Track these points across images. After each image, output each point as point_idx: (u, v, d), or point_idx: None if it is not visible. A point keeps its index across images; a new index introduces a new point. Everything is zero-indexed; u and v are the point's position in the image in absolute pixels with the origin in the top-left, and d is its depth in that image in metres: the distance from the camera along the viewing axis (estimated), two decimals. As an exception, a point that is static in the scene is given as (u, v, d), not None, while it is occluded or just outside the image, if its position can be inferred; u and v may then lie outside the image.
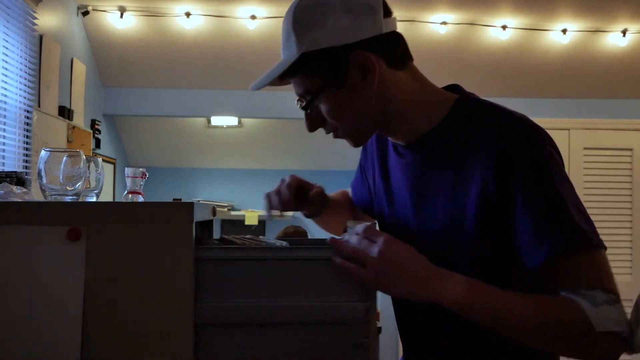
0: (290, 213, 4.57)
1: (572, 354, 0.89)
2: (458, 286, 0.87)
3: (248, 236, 1.07)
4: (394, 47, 0.98)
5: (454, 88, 1.07)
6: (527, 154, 0.90)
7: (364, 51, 0.93)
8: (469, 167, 0.94)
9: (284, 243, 1.04)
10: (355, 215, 1.35)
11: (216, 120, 4.20)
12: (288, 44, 0.96)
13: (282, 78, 0.99)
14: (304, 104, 0.99)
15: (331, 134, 1.05)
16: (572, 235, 0.87)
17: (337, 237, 0.95)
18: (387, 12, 0.97)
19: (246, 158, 4.51)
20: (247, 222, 4.29)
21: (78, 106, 3.27)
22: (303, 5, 0.95)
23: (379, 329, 1.88)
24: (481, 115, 0.97)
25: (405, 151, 1.05)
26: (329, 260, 0.89)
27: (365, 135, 1.04)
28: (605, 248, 0.89)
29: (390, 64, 0.97)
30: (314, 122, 1.02)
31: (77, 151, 1.04)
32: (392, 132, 1.05)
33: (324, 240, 0.98)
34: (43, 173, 1.01)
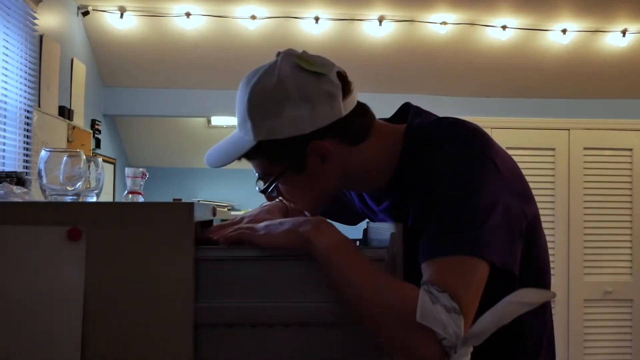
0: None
1: (390, 339, 0.84)
2: (331, 238, 0.87)
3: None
4: (353, 127, 0.96)
5: (405, 110, 1.07)
6: (444, 168, 0.89)
7: (321, 140, 0.93)
8: (409, 203, 0.95)
9: None
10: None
11: (216, 120, 4.20)
12: (244, 127, 0.97)
13: (238, 159, 1.00)
14: (263, 186, 1.01)
15: None
16: (451, 240, 0.85)
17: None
18: (347, 90, 0.96)
19: (246, 158, 4.51)
20: (247, 222, 4.29)
21: (78, 106, 3.26)
22: (259, 92, 0.94)
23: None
24: (423, 151, 0.95)
25: (370, 201, 1.08)
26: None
27: (322, 206, 1.06)
28: (489, 262, 0.85)
29: (349, 142, 0.96)
30: (266, 191, 1.04)
31: (77, 151, 1.04)
32: (354, 189, 1.09)
33: None
34: (43, 173, 1.01)
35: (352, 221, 1.31)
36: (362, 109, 0.99)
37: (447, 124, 0.98)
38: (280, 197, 1.07)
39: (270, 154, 0.96)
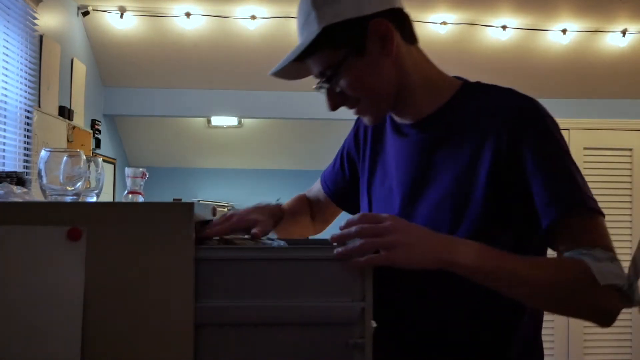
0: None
1: (578, 313, 0.95)
2: (470, 249, 0.90)
3: (246, 236, 1.07)
4: (407, 22, 1.04)
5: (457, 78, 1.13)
6: (538, 120, 0.97)
7: (381, 19, 0.98)
8: (479, 139, 0.98)
9: (282, 243, 1.04)
10: (316, 216, 1.37)
11: (216, 120, 4.20)
12: (307, 23, 1.00)
13: (301, 59, 1.01)
14: (325, 79, 1.01)
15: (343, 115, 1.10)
16: (581, 198, 0.93)
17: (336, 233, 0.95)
18: None
19: (246, 158, 4.51)
20: (247, 222, 4.29)
21: (78, 106, 3.27)
22: None
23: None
24: (488, 93, 1.04)
25: (411, 130, 1.08)
26: (326, 261, 0.89)
27: (384, 109, 1.07)
28: (604, 216, 0.95)
29: (404, 37, 1.02)
30: (335, 99, 1.04)
31: (77, 151, 1.04)
32: (401, 110, 1.08)
33: (322, 240, 0.98)
34: (43, 173, 1.01)
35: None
36: (409, 16, 1.06)
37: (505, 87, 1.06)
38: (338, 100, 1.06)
39: (333, 40, 0.98)
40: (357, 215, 0.91)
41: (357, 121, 1.24)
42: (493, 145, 0.97)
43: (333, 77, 1.01)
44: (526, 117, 0.97)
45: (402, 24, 1.02)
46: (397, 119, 1.11)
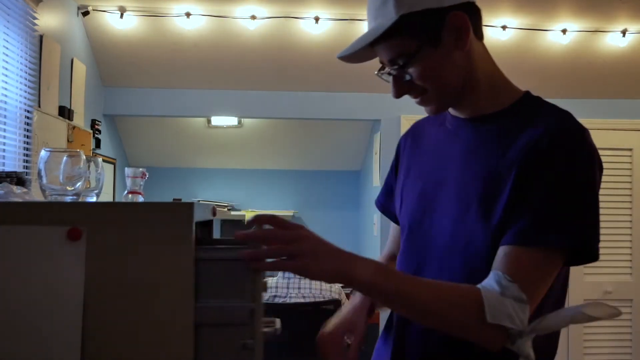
0: (290, 212, 4.55)
1: (467, 338, 0.95)
2: (369, 266, 0.92)
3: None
4: (479, 17, 1.04)
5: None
6: (566, 147, 0.97)
7: (459, 12, 0.98)
8: (514, 146, 0.99)
9: None
10: None
11: (216, 120, 4.20)
12: (383, 8, 0.99)
13: (373, 44, 1.01)
14: (396, 67, 1.01)
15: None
16: (543, 231, 0.92)
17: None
18: None
19: (246, 158, 4.51)
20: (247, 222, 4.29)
21: (78, 106, 3.27)
22: None
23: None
24: (546, 110, 1.06)
25: (464, 122, 1.09)
26: (221, 261, 0.88)
27: (449, 102, 1.08)
28: (572, 250, 0.94)
29: (475, 33, 1.03)
30: (401, 87, 1.05)
31: (77, 151, 1.04)
32: (462, 103, 1.08)
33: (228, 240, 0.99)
34: (43, 173, 1.01)
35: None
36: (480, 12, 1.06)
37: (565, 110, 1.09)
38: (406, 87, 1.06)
39: (409, 29, 0.98)
40: (267, 216, 0.92)
41: (401, 141, 1.28)
42: (525, 154, 0.97)
43: (405, 66, 1.01)
44: (556, 143, 0.97)
45: (476, 18, 1.03)
46: (454, 112, 1.11)
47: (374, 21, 1.02)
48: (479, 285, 0.92)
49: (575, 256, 0.95)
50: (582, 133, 1.00)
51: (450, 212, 1.04)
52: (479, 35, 1.04)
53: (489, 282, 0.91)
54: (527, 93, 1.09)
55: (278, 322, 1.01)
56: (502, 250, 0.94)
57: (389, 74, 1.03)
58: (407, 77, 1.02)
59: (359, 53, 1.03)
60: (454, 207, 1.03)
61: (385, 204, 1.31)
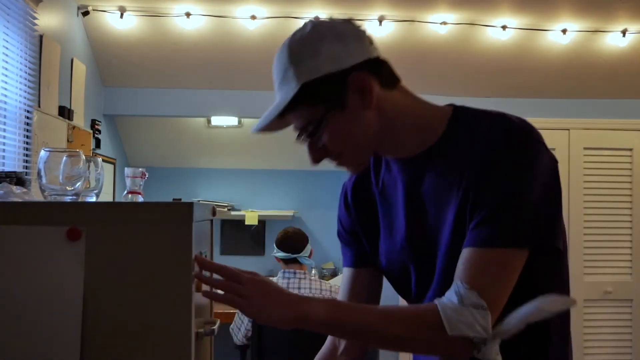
0: (290, 212, 4.55)
1: (435, 354, 0.97)
2: (323, 305, 0.94)
3: None
4: (384, 69, 1.03)
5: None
6: (509, 149, 0.95)
7: (360, 72, 0.98)
8: (458, 172, 0.98)
9: None
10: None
11: (216, 120, 4.20)
12: (286, 79, 1.00)
13: (282, 115, 1.02)
14: (307, 133, 1.02)
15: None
16: (494, 232, 0.92)
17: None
18: (371, 41, 1.04)
19: (246, 158, 4.51)
20: (247, 222, 4.29)
21: (78, 106, 3.27)
22: (296, 40, 1.00)
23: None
24: (477, 123, 1.01)
25: (402, 166, 1.08)
26: None
27: (366, 158, 1.08)
28: (529, 248, 0.93)
29: (383, 85, 1.01)
30: (317, 152, 1.05)
31: (77, 151, 1.04)
32: (387, 151, 1.08)
33: None
34: (43, 173, 1.01)
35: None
36: (387, 61, 1.05)
37: (501, 112, 1.04)
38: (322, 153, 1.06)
39: (313, 96, 0.98)
40: (219, 265, 0.95)
41: (341, 197, 1.25)
42: (470, 174, 0.96)
43: (314, 133, 1.01)
44: (504, 147, 0.95)
45: (380, 71, 1.01)
46: (389, 156, 1.10)
47: (279, 92, 1.03)
48: (436, 301, 0.92)
49: (537, 254, 0.95)
50: (520, 132, 0.96)
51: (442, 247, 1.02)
52: (391, 84, 1.03)
53: (449, 294, 0.92)
54: (454, 110, 1.06)
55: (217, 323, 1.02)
56: (461, 256, 0.94)
57: (303, 141, 1.04)
58: (320, 143, 1.03)
59: (272, 125, 1.05)
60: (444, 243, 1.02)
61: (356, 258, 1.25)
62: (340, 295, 1.24)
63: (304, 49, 0.98)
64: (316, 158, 1.06)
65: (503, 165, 0.94)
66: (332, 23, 1.01)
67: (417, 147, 1.04)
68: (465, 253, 0.93)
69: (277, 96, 1.03)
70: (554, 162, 1.00)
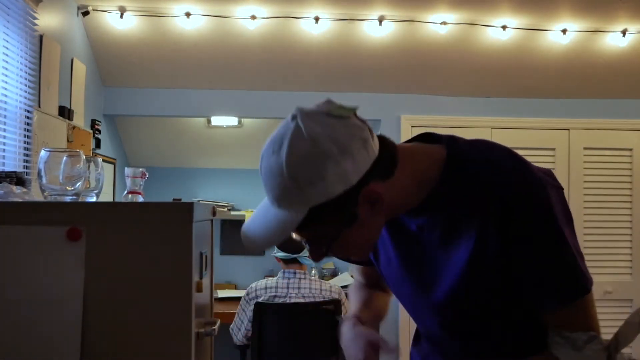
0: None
1: None
2: None
3: None
4: (386, 161, 0.96)
5: (429, 137, 1.07)
6: (528, 209, 0.94)
7: (368, 185, 0.92)
8: (465, 227, 0.97)
9: None
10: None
11: (216, 120, 4.20)
12: (288, 200, 0.93)
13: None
14: (314, 247, 0.99)
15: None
16: (573, 286, 0.97)
17: None
18: (370, 131, 0.97)
19: (246, 158, 4.51)
20: (247, 222, 4.28)
21: (78, 106, 3.27)
22: (297, 160, 0.90)
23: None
24: (473, 174, 0.98)
25: (401, 221, 1.07)
26: None
27: (371, 249, 1.07)
28: (592, 286, 1.01)
29: (387, 177, 0.96)
30: (321, 255, 1.01)
31: (77, 151, 1.04)
32: (395, 216, 1.05)
33: None
34: (43, 173, 1.01)
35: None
36: (383, 140, 0.98)
37: (488, 146, 1.03)
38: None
39: (323, 217, 0.92)
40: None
41: None
42: (476, 242, 0.95)
43: (324, 248, 0.98)
44: (517, 211, 0.93)
45: (384, 167, 0.95)
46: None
47: (279, 208, 0.94)
48: (552, 353, 0.96)
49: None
50: (527, 183, 0.95)
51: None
52: (391, 173, 0.97)
53: (556, 352, 0.96)
54: (446, 162, 1.00)
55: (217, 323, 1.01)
56: (546, 321, 0.99)
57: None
58: (326, 249, 1.00)
59: (274, 241, 0.98)
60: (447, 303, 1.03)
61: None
62: (355, 275, 1.31)
63: (309, 173, 0.89)
64: (319, 259, 1.01)
65: (528, 226, 0.93)
66: (333, 132, 0.90)
67: (418, 199, 1.01)
68: (550, 318, 0.98)
69: (276, 210, 0.95)
70: (559, 190, 1.00)
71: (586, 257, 3.59)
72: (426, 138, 1.07)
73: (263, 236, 0.96)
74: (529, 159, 3.43)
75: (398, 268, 1.10)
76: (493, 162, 0.98)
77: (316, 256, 1.00)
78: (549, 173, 1.02)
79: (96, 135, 3.59)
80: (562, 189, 1.01)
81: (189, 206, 0.87)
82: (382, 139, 0.98)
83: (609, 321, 4.07)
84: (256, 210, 1.00)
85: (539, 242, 0.94)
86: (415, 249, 1.05)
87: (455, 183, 0.98)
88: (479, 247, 0.95)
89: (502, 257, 0.94)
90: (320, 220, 0.92)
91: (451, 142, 1.03)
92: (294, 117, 0.93)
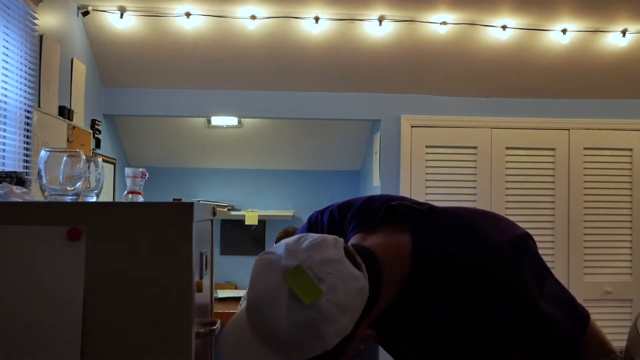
0: (290, 212, 4.55)
1: None
2: None
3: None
4: (375, 292, 0.96)
5: (393, 211, 1.07)
6: (501, 295, 0.98)
7: (361, 327, 0.93)
8: (445, 319, 1.01)
9: None
10: None
11: (216, 120, 4.20)
12: (280, 355, 0.88)
13: None
14: None
15: None
16: (580, 329, 1.05)
17: None
18: (358, 263, 0.94)
19: (246, 158, 4.51)
20: (247, 222, 4.29)
21: (78, 106, 3.27)
22: (294, 326, 0.86)
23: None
24: (441, 267, 1.00)
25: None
26: None
27: None
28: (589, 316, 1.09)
29: (374, 303, 0.96)
30: None
31: (77, 151, 1.04)
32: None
33: None
34: (43, 173, 1.01)
35: None
36: (368, 265, 0.95)
37: (454, 228, 1.03)
38: None
39: None
40: None
41: None
42: (461, 321, 1.00)
43: None
44: (487, 293, 0.97)
45: (374, 299, 0.95)
46: None
47: (267, 345, 0.87)
48: None
49: None
50: (499, 271, 0.98)
51: None
52: (379, 297, 0.96)
53: None
54: (413, 254, 1.01)
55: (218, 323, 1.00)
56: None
57: None
58: None
59: None
60: None
61: None
62: None
63: (308, 335, 0.86)
64: None
65: (510, 313, 0.98)
66: (333, 291, 0.87)
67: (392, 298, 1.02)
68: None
69: (259, 346, 0.87)
70: (533, 252, 1.04)
71: (586, 257, 3.60)
72: (391, 211, 1.06)
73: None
74: (529, 159, 3.45)
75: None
76: (458, 253, 1.00)
77: None
78: (519, 240, 1.03)
79: (96, 135, 3.59)
80: (535, 249, 1.04)
81: (189, 206, 0.87)
82: (368, 260, 0.96)
83: (609, 321, 4.08)
84: (234, 325, 0.90)
85: (519, 322, 0.98)
86: (396, 334, 1.09)
87: (424, 279, 1.01)
88: (459, 329, 1.00)
89: (487, 336, 1.00)
90: None
91: (416, 229, 1.03)
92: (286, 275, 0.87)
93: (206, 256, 1.09)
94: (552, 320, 0.99)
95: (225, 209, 4.37)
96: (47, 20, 2.89)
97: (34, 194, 1.16)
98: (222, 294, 3.95)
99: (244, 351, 0.87)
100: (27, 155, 2.63)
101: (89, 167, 1.10)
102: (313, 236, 0.91)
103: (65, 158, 1.03)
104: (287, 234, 3.19)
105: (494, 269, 0.98)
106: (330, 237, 0.92)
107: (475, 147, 3.79)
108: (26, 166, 2.61)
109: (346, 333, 0.89)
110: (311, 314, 0.85)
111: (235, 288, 4.36)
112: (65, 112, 3.03)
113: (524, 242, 1.03)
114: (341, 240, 0.93)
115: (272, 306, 0.85)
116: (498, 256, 0.99)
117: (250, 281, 0.87)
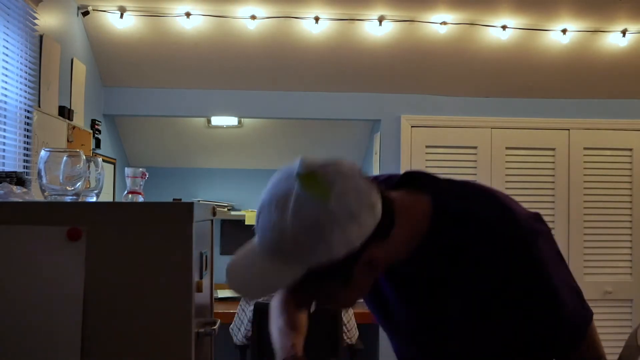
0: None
1: None
2: None
3: None
4: (386, 222, 0.95)
5: (414, 178, 1.06)
6: (516, 264, 0.96)
7: (369, 249, 0.92)
8: (461, 279, 1.00)
9: None
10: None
11: (216, 120, 4.20)
12: (285, 257, 0.90)
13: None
14: (306, 298, 1.00)
15: None
16: (571, 337, 1.01)
17: None
18: (377, 190, 0.95)
19: (246, 158, 4.51)
20: (247, 222, 4.29)
21: (78, 106, 3.27)
22: (301, 225, 0.87)
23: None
24: (460, 229, 0.99)
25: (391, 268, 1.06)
26: None
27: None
28: (592, 315, 1.06)
29: (385, 237, 0.95)
30: (306, 304, 1.04)
31: (77, 151, 1.04)
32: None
33: None
34: (43, 173, 1.01)
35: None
36: (384, 198, 0.95)
37: (474, 195, 1.03)
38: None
39: (320, 276, 0.91)
40: None
41: None
42: (474, 292, 0.99)
43: (310, 296, 0.98)
44: (503, 261, 0.96)
45: (384, 227, 0.94)
46: None
47: (271, 260, 0.90)
48: None
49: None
50: (516, 241, 0.97)
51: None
52: (389, 231, 0.96)
53: None
54: (434, 214, 1.00)
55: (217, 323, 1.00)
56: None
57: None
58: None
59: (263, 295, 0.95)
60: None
61: None
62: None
63: (314, 237, 0.87)
64: (303, 305, 1.03)
65: (519, 282, 0.96)
66: (342, 194, 0.88)
67: (408, 252, 1.01)
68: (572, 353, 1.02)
69: (269, 264, 0.90)
70: (548, 233, 1.03)
71: (586, 257, 3.60)
72: (411, 178, 1.06)
73: (252, 289, 0.91)
74: (529, 159, 3.46)
75: (394, 303, 1.11)
76: (479, 217, 0.99)
77: (302, 303, 1.03)
78: (536, 217, 1.03)
79: (96, 135, 3.59)
80: (550, 230, 1.03)
81: (189, 206, 0.87)
82: (383, 197, 0.96)
83: (609, 321, 4.07)
84: (242, 253, 0.93)
85: (530, 299, 0.97)
86: (411, 288, 1.07)
87: (443, 237, 0.99)
88: (472, 291, 0.99)
89: (497, 302, 0.98)
90: (315, 279, 0.91)
91: (436, 192, 1.02)
92: (298, 174, 0.90)
93: (206, 256, 1.09)
94: (561, 300, 0.98)
95: (225, 209, 4.37)
96: (47, 20, 2.89)
97: (34, 194, 1.16)
98: (222, 294, 3.95)
99: (249, 271, 0.88)
100: (27, 155, 2.63)
101: (89, 167, 1.10)
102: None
103: (65, 158, 1.03)
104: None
105: (514, 235, 0.96)
106: (348, 160, 0.94)
107: (475, 147, 3.79)
108: (26, 166, 2.61)
109: (353, 246, 0.88)
110: (317, 214, 0.85)
111: (235, 288, 4.36)
112: (65, 112, 3.03)
113: (542, 220, 1.03)
114: (358, 166, 0.94)
115: (280, 208, 0.88)
116: (519, 223, 0.98)
117: (265, 188, 0.92)
